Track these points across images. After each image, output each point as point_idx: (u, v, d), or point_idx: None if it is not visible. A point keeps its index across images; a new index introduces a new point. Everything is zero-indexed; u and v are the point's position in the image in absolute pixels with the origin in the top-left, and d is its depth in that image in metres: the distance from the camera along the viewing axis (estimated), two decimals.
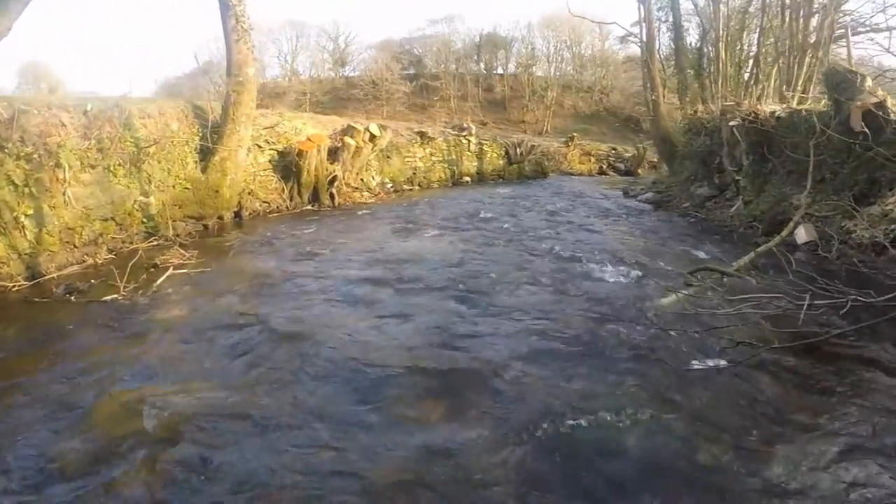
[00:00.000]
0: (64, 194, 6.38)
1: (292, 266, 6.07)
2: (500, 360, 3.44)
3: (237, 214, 9.19)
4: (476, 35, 40.16)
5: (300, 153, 10.08)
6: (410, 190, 13.88)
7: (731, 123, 9.50)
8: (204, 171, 8.29)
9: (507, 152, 17.42)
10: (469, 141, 16.42)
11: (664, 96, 15.06)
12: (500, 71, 41.05)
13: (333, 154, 10.94)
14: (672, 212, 10.66)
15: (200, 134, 8.45)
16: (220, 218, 8.69)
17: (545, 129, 34.19)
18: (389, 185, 13.26)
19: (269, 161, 10.18)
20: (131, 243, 7.02)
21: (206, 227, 8.34)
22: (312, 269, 5.91)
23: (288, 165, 10.21)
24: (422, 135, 15.02)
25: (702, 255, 6.43)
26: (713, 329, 3.67)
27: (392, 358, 3.50)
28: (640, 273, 5.49)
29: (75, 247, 6.44)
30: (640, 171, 20.64)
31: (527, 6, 67.01)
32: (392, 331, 4.00)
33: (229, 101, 8.48)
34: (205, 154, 8.40)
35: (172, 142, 8.00)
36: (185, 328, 4.03)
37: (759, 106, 9.49)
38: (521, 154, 17.58)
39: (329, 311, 4.45)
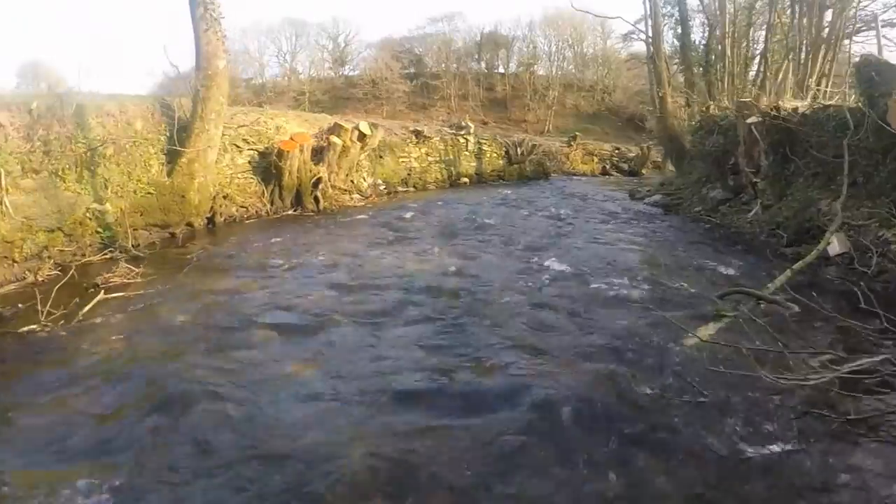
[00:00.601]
0: (0, 203, 5.65)
1: (250, 287, 5.26)
2: (485, 443, 2.58)
3: (211, 221, 8.42)
4: (477, 34, 39.41)
5: (280, 153, 9.31)
6: (405, 192, 13.12)
7: (750, 121, 8.72)
8: (170, 174, 7.52)
9: (507, 152, 16.64)
10: (467, 140, 15.63)
11: (670, 94, 14.35)
12: (501, 70, 40.31)
13: (319, 154, 10.17)
14: (684, 216, 9.94)
15: (167, 134, 7.68)
16: (190, 225, 7.92)
17: (547, 128, 33.49)
18: (382, 187, 12.49)
19: (249, 162, 9.44)
20: (84, 256, 6.28)
21: (172, 235, 7.57)
22: (270, 293, 5.07)
23: (269, 167, 9.46)
24: (417, 134, 14.24)
25: (728, 270, 5.59)
26: (769, 393, 2.80)
27: (339, 437, 2.67)
28: (659, 296, 4.67)
29: (15, 262, 5.71)
30: (644, 171, 19.96)
31: (528, 4, 66.16)
32: (348, 393, 3.12)
33: (198, 97, 7.70)
34: (172, 156, 7.63)
35: (134, 142, 7.23)
36: (96, 377, 3.24)
37: (780, 102, 8.72)
38: (522, 154, 16.79)
39: (273, 359, 3.60)
